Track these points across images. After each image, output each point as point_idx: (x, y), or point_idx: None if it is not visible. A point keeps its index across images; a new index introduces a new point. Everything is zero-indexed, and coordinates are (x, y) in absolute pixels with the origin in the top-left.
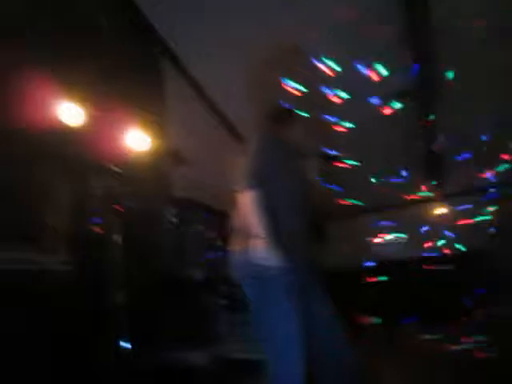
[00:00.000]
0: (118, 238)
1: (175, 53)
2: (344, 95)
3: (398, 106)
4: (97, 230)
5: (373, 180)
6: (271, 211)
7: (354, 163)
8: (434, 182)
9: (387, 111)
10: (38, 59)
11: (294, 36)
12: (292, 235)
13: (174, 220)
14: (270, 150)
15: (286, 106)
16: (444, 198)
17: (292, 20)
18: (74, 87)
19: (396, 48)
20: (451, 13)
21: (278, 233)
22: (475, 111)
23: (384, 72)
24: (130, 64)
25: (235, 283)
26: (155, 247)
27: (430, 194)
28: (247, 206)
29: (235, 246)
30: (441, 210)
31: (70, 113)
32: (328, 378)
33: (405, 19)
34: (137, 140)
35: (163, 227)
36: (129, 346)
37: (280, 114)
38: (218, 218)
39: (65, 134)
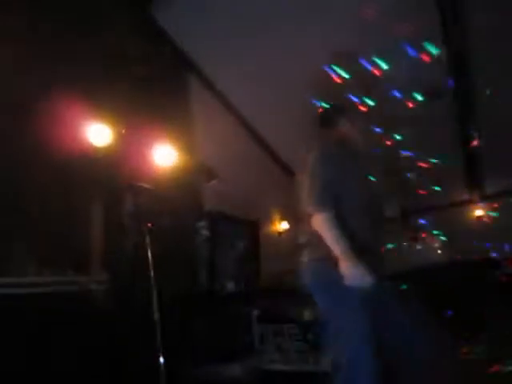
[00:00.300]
0: (150, 255)
1: (202, 69)
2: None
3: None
4: (130, 248)
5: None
6: (342, 217)
7: None
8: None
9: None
10: (68, 80)
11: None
12: (364, 237)
13: (206, 233)
14: (328, 162)
15: (334, 103)
16: (483, 200)
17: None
18: (103, 107)
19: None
20: None
21: (352, 238)
22: None
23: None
24: (157, 81)
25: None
26: (188, 261)
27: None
28: (319, 226)
29: (305, 257)
30: (479, 212)
31: (98, 133)
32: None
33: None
34: (166, 156)
35: (195, 241)
36: (164, 361)
37: (328, 116)
38: (250, 230)
39: (94, 156)
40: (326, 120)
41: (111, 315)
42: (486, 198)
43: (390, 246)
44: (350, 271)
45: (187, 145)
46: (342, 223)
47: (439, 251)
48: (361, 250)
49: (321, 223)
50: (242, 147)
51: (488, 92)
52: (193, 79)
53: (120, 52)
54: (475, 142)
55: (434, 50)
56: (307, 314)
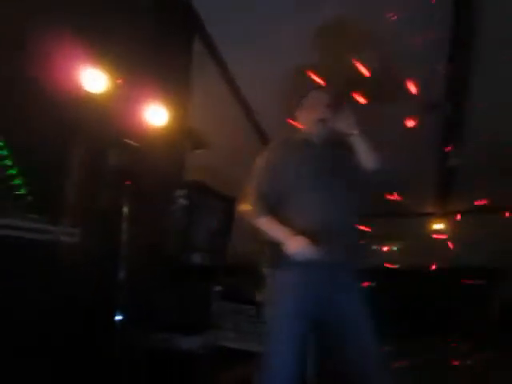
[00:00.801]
0: (126, 214)
1: (209, 34)
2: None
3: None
4: (105, 204)
5: None
6: (288, 217)
7: None
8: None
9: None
10: (68, 21)
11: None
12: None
13: (184, 202)
14: (267, 171)
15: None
16: (446, 214)
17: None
18: (101, 53)
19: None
20: None
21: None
22: None
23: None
24: (161, 36)
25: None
26: (162, 227)
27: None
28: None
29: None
30: (439, 226)
31: (93, 79)
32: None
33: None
34: (157, 115)
35: (171, 208)
36: (124, 319)
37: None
38: (226, 206)
39: (85, 102)
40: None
41: (77, 269)
42: (447, 214)
43: None
44: (292, 244)
45: (180, 108)
46: (289, 223)
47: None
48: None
49: (259, 228)
50: (235, 122)
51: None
52: (197, 41)
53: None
54: (452, 160)
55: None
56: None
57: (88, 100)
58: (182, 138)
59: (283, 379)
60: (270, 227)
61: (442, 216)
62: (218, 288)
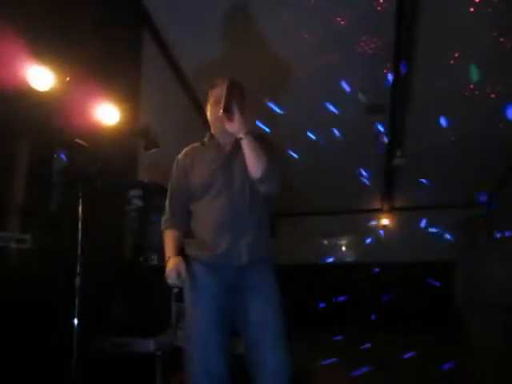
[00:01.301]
0: (77, 216)
1: (159, 30)
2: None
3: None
4: (55, 207)
5: None
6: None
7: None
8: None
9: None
10: (10, 16)
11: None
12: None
13: (138, 203)
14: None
15: None
16: (392, 211)
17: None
18: (47, 50)
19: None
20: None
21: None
22: None
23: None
24: (111, 32)
25: None
26: (115, 228)
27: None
28: None
29: None
30: (385, 221)
31: (40, 77)
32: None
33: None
34: (108, 115)
35: (126, 209)
36: (78, 324)
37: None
38: None
39: (31, 100)
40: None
41: (29, 275)
42: (393, 210)
43: None
44: (168, 266)
45: (131, 107)
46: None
47: (344, 249)
48: (200, 245)
49: None
50: (186, 119)
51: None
52: (148, 37)
53: None
54: (397, 160)
55: None
56: None
57: (34, 98)
58: (134, 137)
59: (208, 369)
60: (165, 242)
61: (387, 211)
62: (176, 290)
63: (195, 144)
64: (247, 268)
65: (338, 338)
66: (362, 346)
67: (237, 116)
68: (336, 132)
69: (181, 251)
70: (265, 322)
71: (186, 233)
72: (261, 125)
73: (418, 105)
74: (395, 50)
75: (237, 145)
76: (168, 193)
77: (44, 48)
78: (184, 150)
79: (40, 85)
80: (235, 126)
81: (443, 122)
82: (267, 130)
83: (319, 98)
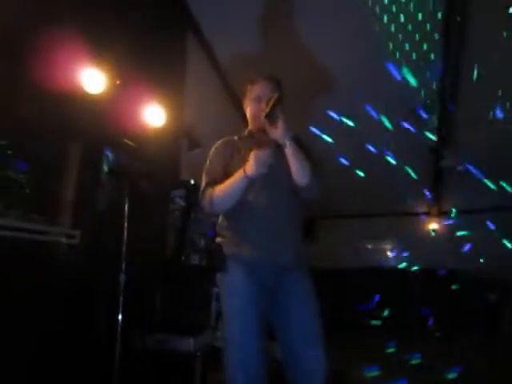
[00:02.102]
0: (123, 214)
1: (205, 35)
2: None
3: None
4: (104, 205)
5: None
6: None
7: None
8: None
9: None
10: (70, 21)
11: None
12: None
13: (181, 203)
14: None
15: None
16: (441, 215)
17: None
18: (101, 54)
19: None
20: None
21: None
22: None
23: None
24: (159, 35)
25: None
26: (158, 228)
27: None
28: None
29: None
30: (434, 226)
31: (92, 80)
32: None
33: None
34: (155, 116)
35: (169, 208)
36: (121, 320)
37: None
38: None
39: (84, 102)
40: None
41: (78, 270)
42: (442, 214)
43: None
44: (251, 167)
45: (176, 108)
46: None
47: (388, 254)
48: (239, 243)
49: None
50: (229, 120)
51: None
52: (192, 40)
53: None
54: (447, 162)
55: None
56: None
57: (87, 100)
58: (179, 138)
59: (249, 374)
60: (224, 186)
61: (435, 216)
62: (217, 289)
63: (231, 137)
64: (285, 271)
65: (390, 344)
66: (407, 356)
67: (281, 122)
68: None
69: (218, 247)
70: (305, 328)
71: (222, 230)
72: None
73: (468, 98)
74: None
75: (277, 143)
76: (204, 177)
77: (98, 52)
78: (222, 141)
79: (92, 87)
80: (278, 133)
81: (498, 113)
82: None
83: (362, 99)
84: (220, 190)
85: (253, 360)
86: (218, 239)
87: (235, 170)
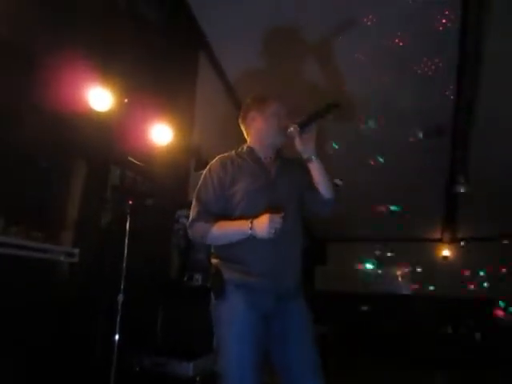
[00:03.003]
0: (127, 233)
1: (214, 53)
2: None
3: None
4: (106, 223)
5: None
6: None
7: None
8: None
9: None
10: (77, 40)
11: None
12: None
13: (186, 222)
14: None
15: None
16: (453, 241)
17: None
18: (108, 73)
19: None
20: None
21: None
22: None
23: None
24: (167, 54)
25: None
26: (162, 247)
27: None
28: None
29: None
30: (446, 253)
31: (100, 98)
32: None
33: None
34: (162, 135)
35: (173, 227)
36: (118, 340)
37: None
38: None
39: (90, 120)
40: (240, 118)
41: (75, 289)
42: (455, 241)
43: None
44: (259, 226)
45: (185, 127)
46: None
47: (400, 279)
48: (242, 268)
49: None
50: (239, 140)
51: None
52: (202, 59)
53: (134, 15)
54: (460, 188)
55: None
56: None
57: (94, 118)
58: (186, 157)
59: None
60: (224, 229)
61: (448, 242)
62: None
63: (229, 153)
64: (286, 296)
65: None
66: None
67: (313, 137)
68: (393, 156)
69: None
70: (304, 356)
71: (220, 252)
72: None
73: (482, 128)
74: (458, 71)
75: (281, 163)
76: (195, 202)
77: (105, 71)
78: (219, 161)
79: (100, 106)
80: (308, 146)
81: None
82: None
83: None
84: (218, 230)
85: None
86: (216, 261)
87: (238, 194)
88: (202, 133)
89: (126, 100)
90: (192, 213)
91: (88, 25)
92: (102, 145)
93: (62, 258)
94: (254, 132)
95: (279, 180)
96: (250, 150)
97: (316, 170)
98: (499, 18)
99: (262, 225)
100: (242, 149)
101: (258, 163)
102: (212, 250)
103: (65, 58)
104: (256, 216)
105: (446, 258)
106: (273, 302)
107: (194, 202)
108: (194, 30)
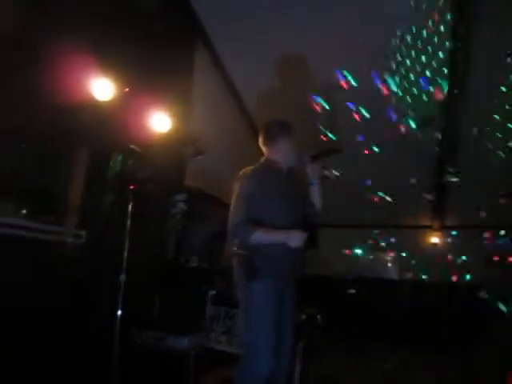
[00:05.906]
0: (128, 216)
1: (211, 41)
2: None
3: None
4: (109, 207)
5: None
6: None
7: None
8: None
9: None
10: (80, 34)
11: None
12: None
13: (183, 206)
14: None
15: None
16: (442, 228)
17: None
18: (109, 63)
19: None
20: None
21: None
22: None
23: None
24: (165, 44)
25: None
26: (160, 230)
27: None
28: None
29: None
30: (435, 240)
31: (102, 88)
32: None
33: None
34: (161, 122)
35: (171, 212)
36: (121, 316)
37: (272, 131)
38: (224, 211)
39: (93, 109)
40: (269, 136)
41: (82, 269)
42: (444, 228)
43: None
44: (294, 238)
45: (182, 115)
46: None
47: (389, 265)
48: (275, 259)
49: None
50: (234, 128)
51: (475, 133)
52: (199, 48)
53: (133, 6)
54: (449, 177)
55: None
56: None
57: (96, 107)
58: (184, 144)
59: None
60: (266, 235)
61: (437, 229)
62: (213, 292)
63: (257, 167)
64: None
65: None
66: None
67: (319, 168)
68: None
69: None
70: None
71: (257, 249)
72: None
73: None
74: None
75: (289, 172)
76: (238, 209)
77: (106, 61)
78: (254, 169)
79: (101, 95)
80: (315, 173)
81: None
82: None
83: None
84: (261, 235)
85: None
86: (247, 252)
87: (275, 199)
88: (198, 120)
89: (126, 89)
90: (236, 217)
91: (88, 15)
92: (104, 133)
93: (69, 240)
94: (280, 153)
95: (294, 187)
96: (269, 161)
97: (316, 192)
98: None
99: (296, 240)
100: (265, 160)
101: (279, 173)
102: (238, 244)
103: (66, 48)
104: (285, 220)
105: (435, 244)
106: (286, 284)
107: (235, 209)
108: (191, 17)
